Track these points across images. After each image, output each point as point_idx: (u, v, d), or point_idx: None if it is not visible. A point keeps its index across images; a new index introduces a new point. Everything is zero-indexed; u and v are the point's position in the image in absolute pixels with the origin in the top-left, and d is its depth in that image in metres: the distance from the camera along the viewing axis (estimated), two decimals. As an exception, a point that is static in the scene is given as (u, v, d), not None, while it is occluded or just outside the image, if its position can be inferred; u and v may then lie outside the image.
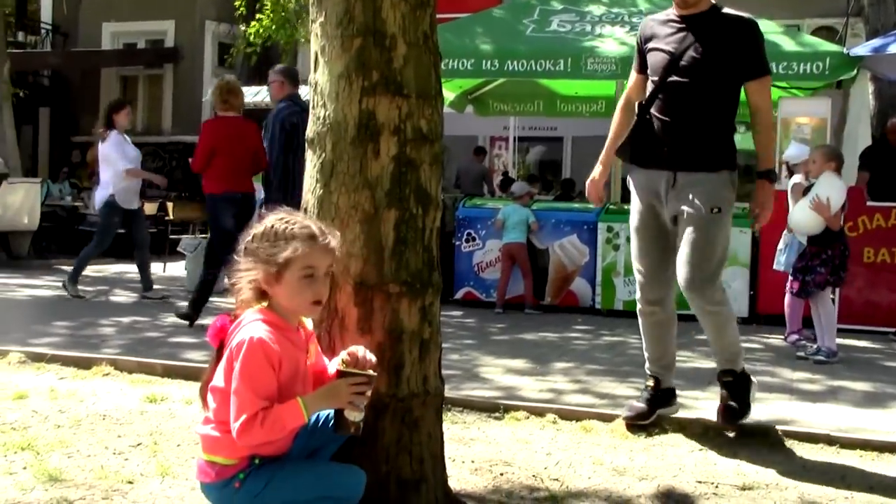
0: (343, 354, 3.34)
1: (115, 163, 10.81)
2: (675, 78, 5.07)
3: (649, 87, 5.22)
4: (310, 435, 3.31)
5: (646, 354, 5.48)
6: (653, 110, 5.16)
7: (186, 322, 8.88)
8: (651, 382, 5.39)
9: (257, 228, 3.25)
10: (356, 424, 3.22)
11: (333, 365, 3.38)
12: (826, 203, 7.94)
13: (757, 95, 5.11)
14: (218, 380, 3.16)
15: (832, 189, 8.01)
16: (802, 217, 8.19)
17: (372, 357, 3.34)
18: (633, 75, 5.46)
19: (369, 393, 3.23)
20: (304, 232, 3.21)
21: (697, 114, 5.05)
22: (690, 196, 5.00)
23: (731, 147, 5.15)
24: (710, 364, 7.62)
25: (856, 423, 5.66)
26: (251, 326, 3.12)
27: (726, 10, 5.12)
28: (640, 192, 5.26)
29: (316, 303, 3.27)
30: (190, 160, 9.63)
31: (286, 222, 3.23)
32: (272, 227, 3.22)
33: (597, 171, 5.47)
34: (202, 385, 3.30)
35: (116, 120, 10.98)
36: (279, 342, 3.13)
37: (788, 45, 10.98)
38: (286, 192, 8.79)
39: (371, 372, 3.25)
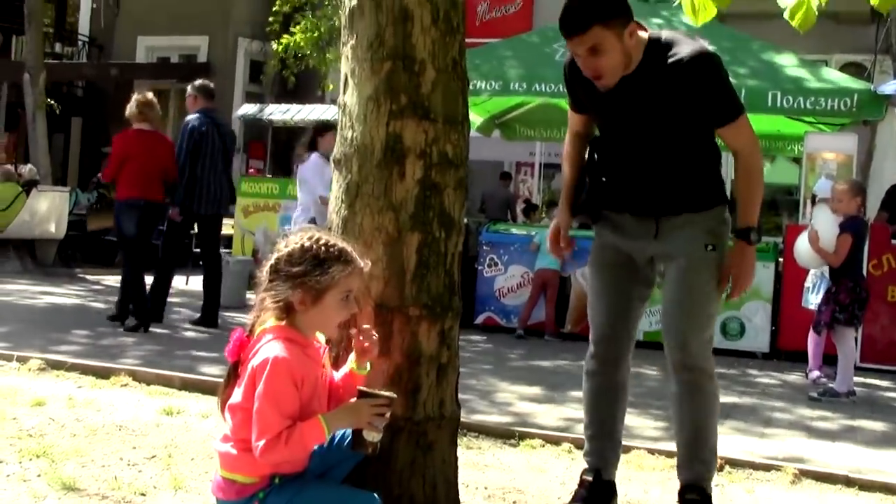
0: (352, 360, 3.39)
1: (314, 188, 9.97)
2: (630, 134, 4.10)
3: (600, 137, 4.30)
4: (326, 453, 3.31)
5: (585, 434, 4.39)
6: (613, 165, 4.18)
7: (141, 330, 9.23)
8: (588, 477, 4.26)
9: (289, 248, 3.23)
10: (374, 444, 3.24)
11: (341, 373, 3.41)
12: (815, 236, 7.99)
13: (732, 139, 4.04)
14: (238, 397, 3.17)
15: (820, 222, 8.02)
16: (800, 248, 8.20)
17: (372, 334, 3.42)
18: (571, 114, 4.38)
19: (388, 414, 3.25)
20: (344, 255, 3.22)
21: (668, 164, 4.06)
22: (678, 238, 4.06)
23: (718, 181, 4.17)
24: (728, 398, 7.61)
25: (874, 464, 5.62)
26: (273, 345, 3.13)
27: (673, 44, 3.93)
28: (607, 229, 4.27)
29: (341, 324, 3.31)
30: (100, 174, 9.96)
31: (324, 245, 3.22)
32: (310, 248, 3.21)
33: (562, 219, 4.38)
34: (220, 400, 3.31)
35: (321, 142, 10.11)
36: (300, 360, 3.15)
37: (816, 80, 10.96)
38: (191, 196, 9.69)
39: (392, 394, 3.27)
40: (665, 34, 4.03)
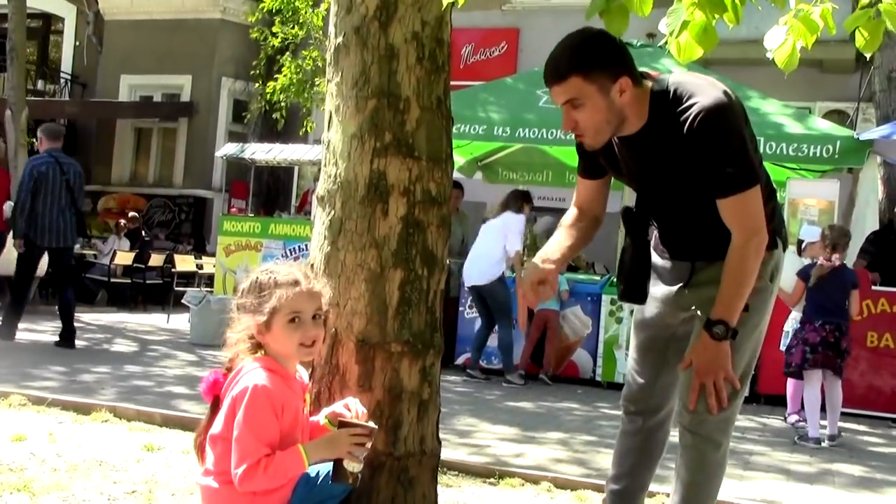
0: (335, 407, 3.39)
1: (514, 242, 10.87)
2: (653, 191, 3.75)
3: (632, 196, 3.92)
4: (310, 489, 3.32)
5: (609, 474, 4.05)
6: (647, 214, 3.82)
7: None
8: None
9: (244, 284, 3.33)
10: (354, 475, 3.27)
11: (321, 416, 3.43)
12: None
13: (726, 217, 3.46)
14: (219, 428, 3.17)
15: None
16: None
17: (363, 410, 3.42)
18: (579, 181, 3.97)
19: (369, 445, 3.27)
20: (287, 279, 3.28)
21: (697, 215, 3.63)
22: (708, 290, 3.58)
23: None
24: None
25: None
26: (253, 374, 3.16)
27: (683, 97, 3.44)
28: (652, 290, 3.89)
29: (302, 345, 3.31)
30: None
31: (269, 273, 3.31)
32: (256, 279, 3.31)
33: (548, 268, 3.70)
34: (197, 438, 3.32)
35: (525, 207, 11.26)
36: (281, 388, 3.16)
37: (798, 127, 11.05)
38: (33, 230, 10.50)
39: (372, 424, 3.30)
40: (673, 83, 3.51)
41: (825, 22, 3.48)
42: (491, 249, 10.89)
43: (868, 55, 4.06)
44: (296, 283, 3.29)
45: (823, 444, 7.98)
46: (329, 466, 3.30)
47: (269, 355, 3.27)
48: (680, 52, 3.47)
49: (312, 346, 3.34)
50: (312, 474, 3.26)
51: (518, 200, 11.27)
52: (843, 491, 6.21)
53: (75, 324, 10.84)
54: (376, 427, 3.35)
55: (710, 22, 3.36)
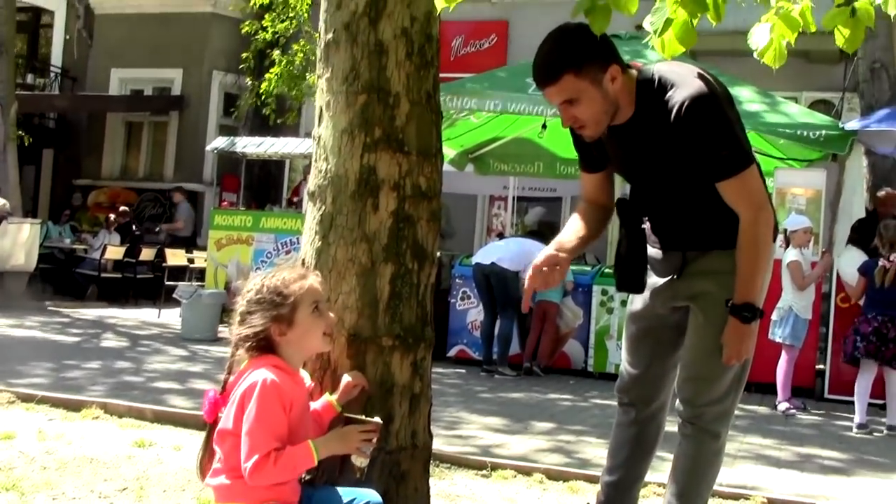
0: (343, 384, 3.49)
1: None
2: (645, 179, 3.80)
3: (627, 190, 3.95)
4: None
5: (604, 465, 4.09)
6: (640, 205, 3.84)
7: None
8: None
9: (246, 298, 3.31)
10: (361, 469, 3.33)
11: (319, 403, 3.46)
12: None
13: (729, 199, 3.53)
14: (228, 424, 3.19)
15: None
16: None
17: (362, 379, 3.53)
18: (583, 176, 4.00)
19: (376, 440, 3.30)
20: (294, 274, 3.33)
21: (690, 203, 3.68)
22: (703, 282, 3.66)
23: None
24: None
25: (841, 493, 5.67)
26: (261, 371, 3.18)
27: (667, 86, 3.53)
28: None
29: (325, 334, 3.37)
30: None
31: (272, 276, 3.32)
32: (264, 285, 3.30)
33: (561, 254, 3.75)
34: (200, 461, 3.34)
35: None
36: (288, 384, 3.19)
37: (784, 116, 11.06)
38: None
39: (379, 420, 3.33)
40: (658, 72, 3.60)
41: (804, 20, 3.51)
42: (526, 249, 10.42)
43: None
44: (304, 275, 3.33)
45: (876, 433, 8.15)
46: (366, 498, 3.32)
47: (276, 355, 3.28)
48: (664, 48, 3.51)
49: (329, 335, 3.39)
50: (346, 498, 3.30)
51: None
52: (834, 476, 6.25)
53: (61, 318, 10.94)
54: (382, 422, 3.38)
55: (691, 20, 3.40)
